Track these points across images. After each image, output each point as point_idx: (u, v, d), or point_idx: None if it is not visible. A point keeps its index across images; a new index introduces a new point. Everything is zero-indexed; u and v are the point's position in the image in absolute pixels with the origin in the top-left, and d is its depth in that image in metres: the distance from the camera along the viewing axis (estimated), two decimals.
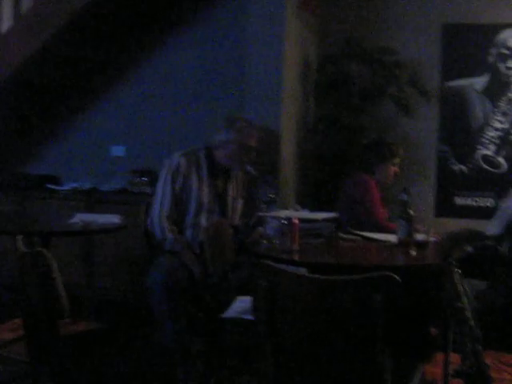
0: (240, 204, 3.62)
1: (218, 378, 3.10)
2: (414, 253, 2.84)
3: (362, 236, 3.24)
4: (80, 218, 3.61)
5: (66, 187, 5.08)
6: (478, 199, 4.81)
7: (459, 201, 4.84)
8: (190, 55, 5.06)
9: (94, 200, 4.87)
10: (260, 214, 3.22)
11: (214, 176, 3.51)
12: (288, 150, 4.40)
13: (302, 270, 2.93)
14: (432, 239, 2.94)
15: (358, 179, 4.04)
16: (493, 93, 4.76)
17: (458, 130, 4.82)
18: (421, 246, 2.87)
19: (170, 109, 5.09)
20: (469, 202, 4.83)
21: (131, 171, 4.96)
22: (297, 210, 3.55)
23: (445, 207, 4.85)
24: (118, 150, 5.27)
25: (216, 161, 3.51)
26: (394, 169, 4.09)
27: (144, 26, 5.09)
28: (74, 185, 5.07)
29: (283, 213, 3.07)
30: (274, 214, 3.03)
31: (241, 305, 2.94)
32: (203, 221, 3.41)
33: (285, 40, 4.22)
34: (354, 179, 4.07)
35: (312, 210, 3.69)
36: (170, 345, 3.22)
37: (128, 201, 4.64)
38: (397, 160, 4.10)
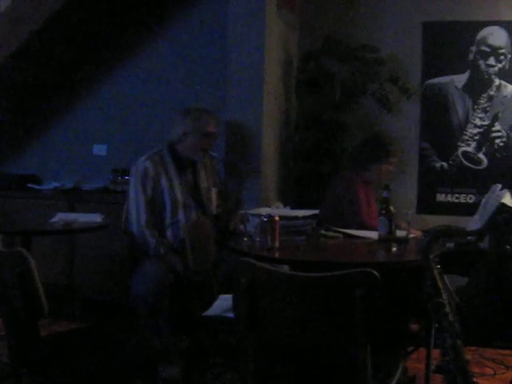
0: (214, 192, 3.63)
1: (200, 376, 3.09)
2: (394, 249, 2.86)
3: (343, 233, 3.25)
4: (61, 218, 3.59)
5: (47, 186, 5.05)
6: (459, 196, 4.84)
7: (441, 197, 4.87)
8: (172, 54, 5.05)
9: (75, 199, 4.84)
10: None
11: (183, 171, 3.52)
12: (270, 148, 4.41)
13: (285, 268, 2.94)
14: (412, 236, 2.96)
15: (343, 178, 3.98)
16: (473, 90, 4.79)
17: (439, 127, 4.85)
18: (401, 242, 2.89)
19: (152, 108, 5.07)
20: (450, 198, 4.85)
21: (113, 170, 4.94)
22: (278, 208, 3.56)
23: (426, 204, 4.87)
24: (99, 149, 5.24)
25: (180, 155, 3.51)
26: (388, 168, 3.98)
27: (125, 25, 5.07)
28: (56, 184, 5.04)
29: (264, 210, 3.07)
30: (254, 211, 3.04)
31: (223, 303, 2.94)
32: (181, 218, 3.42)
33: (265, 38, 4.22)
34: (340, 177, 4.01)
35: (294, 207, 3.70)
36: (153, 344, 3.21)
37: (110, 200, 4.62)
38: (393, 160, 4.00)
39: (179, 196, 3.46)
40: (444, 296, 2.04)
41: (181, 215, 3.44)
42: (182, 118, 3.50)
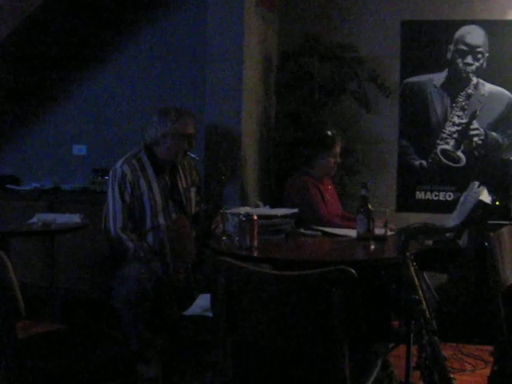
0: (193, 192, 3.61)
1: (180, 375, 3.09)
2: (373, 247, 2.88)
3: (322, 231, 3.27)
4: (39, 218, 3.57)
5: (26, 187, 5.02)
6: (438, 193, 4.88)
7: (420, 195, 4.90)
8: (150, 53, 5.04)
9: (55, 200, 4.81)
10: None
11: (161, 173, 3.48)
12: (249, 147, 4.41)
13: (265, 266, 2.95)
14: (391, 233, 2.98)
15: (293, 181, 3.95)
16: (451, 88, 4.83)
17: (418, 125, 4.88)
18: (380, 240, 2.91)
19: (131, 107, 5.06)
20: (429, 196, 4.89)
21: (93, 170, 4.93)
22: (258, 207, 3.56)
23: (406, 202, 4.90)
24: (78, 149, 5.21)
25: (158, 157, 3.47)
26: (333, 160, 3.93)
27: (103, 23, 5.04)
28: (35, 185, 5.01)
29: (242, 209, 3.07)
30: (233, 210, 3.04)
31: (203, 302, 2.94)
32: (162, 221, 3.40)
33: (244, 37, 4.22)
34: (290, 182, 3.98)
35: (275, 206, 3.71)
36: (132, 343, 3.21)
37: (90, 200, 4.60)
38: (335, 150, 3.94)
39: (159, 199, 3.43)
40: (420, 293, 2.06)
41: (161, 219, 3.41)
42: (160, 120, 3.44)
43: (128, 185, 3.36)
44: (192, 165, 3.67)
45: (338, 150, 3.94)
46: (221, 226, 3.11)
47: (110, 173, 3.43)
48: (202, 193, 3.73)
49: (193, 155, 3.58)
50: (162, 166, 3.48)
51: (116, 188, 3.36)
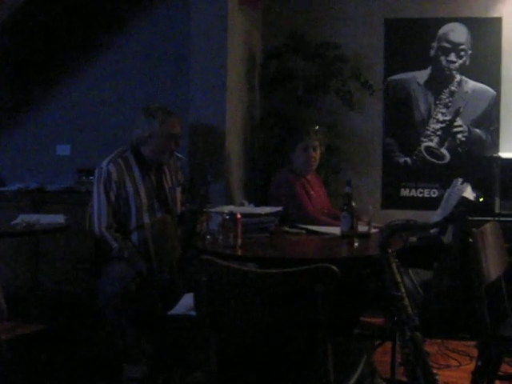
0: (178, 192, 3.62)
1: (165, 375, 3.09)
2: (356, 244, 2.89)
3: (306, 229, 3.27)
4: (23, 219, 3.54)
5: (10, 188, 4.98)
6: (422, 190, 4.90)
7: (405, 192, 4.92)
8: (134, 52, 5.03)
9: (39, 200, 4.79)
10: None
11: (147, 173, 3.48)
12: (234, 145, 4.41)
13: (250, 265, 2.95)
14: (374, 231, 2.99)
15: (276, 179, 3.95)
16: (435, 86, 4.85)
17: (402, 122, 4.89)
18: (363, 237, 2.92)
19: (115, 106, 5.04)
20: (414, 193, 4.90)
21: (77, 170, 4.90)
22: (243, 205, 3.56)
23: (391, 199, 4.92)
24: (63, 149, 5.19)
25: (145, 157, 3.47)
26: (308, 153, 3.90)
27: (88, 23, 5.03)
28: (19, 185, 4.97)
29: (227, 208, 3.07)
30: (217, 209, 3.04)
31: (188, 301, 2.94)
32: (146, 220, 3.39)
33: (228, 35, 4.22)
34: (275, 177, 3.97)
35: (260, 204, 3.71)
36: (117, 343, 3.20)
37: (75, 200, 4.58)
38: (310, 142, 3.92)
39: (144, 198, 3.43)
40: (402, 289, 2.07)
41: (146, 218, 3.40)
42: (148, 120, 3.44)
43: (113, 184, 3.36)
44: (178, 165, 3.68)
45: (313, 142, 3.92)
46: (205, 225, 3.11)
47: (96, 172, 3.42)
48: (187, 193, 3.73)
49: (179, 155, 3.59)
50: (148, 166, 3.48)
51: (101, 187, 3.36)
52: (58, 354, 3.57)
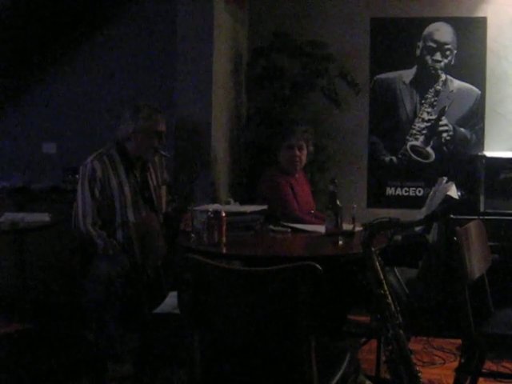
0: (164, 190, 3.62)
1: (150, 374, 3.08)
2: (341, 243, 2.90)
3: (292, 227, 3.28)
4: (7, 217, 3.53)
5: None
6: (408, 189, 4.92)
7: (390, 191, 4.94)
8: (120, 49, 5.02)
9: (25, 199, 4.76)
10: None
11: (132, 170, 3.47)
12: (220, 144, 4.40)
13: (235, 263, 2.95)
14: (359, 229, 3.00)
15: (264, 177, 3.94)
16: (420, 85, 4.87)
17: (388, 121, 4.92)
18: (348, 235, 2.93)
19: (101, 104, 5.03)
20: (399, 191, 4.93)
21: (63, 169, 4.88)
22: (229, 204, 3.56)
23: (376, 197, 4.94)
24: (48, 147, 5.17)
25: (129, 154, 3.47)
26: (293, 152, 3.89)
27: (74, 21, 5.01)
28: (4, 183, 4.94)
29: (212, 206, 3.07)
30: (202, 207, 3.04)
31: (173, 300, 2.93)
32: (131, 218, 3.38)
33: (214, 33, 4.21)
34: (263, 176, 3.97)
35: (246, 203, 3.71)
36: (102, 341, 3.20)
37: (61, 199, 4.56)
38: (294, 141, 3.92)
39: (128, 196, 3.42)
40: (385, 287, 2.07)
41: (130, 216, 3.40)
42: (132, 116, 3.44)
43: (98, 181, 3.35)
44: (163, 163, 3.68)
45: (298, 142, 3.92)
46: (190, 223, 3.10)
47: (80, 169, 3.42)
48: (172, 191, 3.72)
49: (163, 153, 3.58)
50: (132, 163, 3.48)
51: (86, 184, 3.35)
52: (43, 353, 3.56)
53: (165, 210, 3.62)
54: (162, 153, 3.56)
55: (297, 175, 4.00)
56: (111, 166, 3.41)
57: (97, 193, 3.35)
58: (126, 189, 3.42)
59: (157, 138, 3.46)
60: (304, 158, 3.96)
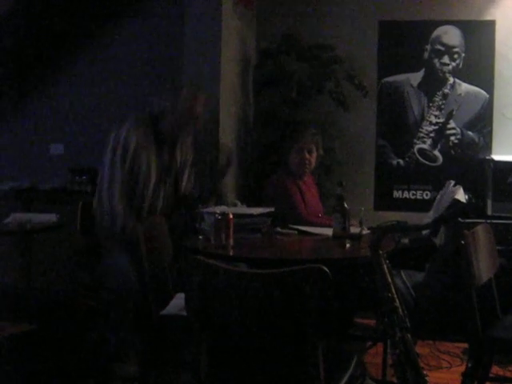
0: (187, 171, 3.48)
1: (157, 375, 3.09)
2: (348, 245, 2.89)
3: (298, 230, 3.27)
4: (15, 218, 3.54)
5: (3, 187, 4.96)
6: (415, 192, 4.91)
7: (397, 194, 4.93)
8: (128, 51, 5.02)
9: (32, 199, 4.78)
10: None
11: (161, 146, 3.31)
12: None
13: (242, 265, 2.95)
14: (366, 232, 3.00)
15: (273, 179, 3.94)
16: (428, 88, 4.86)
17: (395, 124, 4.91)
18: (355, 238, 2.92)
19: (109, 106, 5.03)
20: (407, 195, 4.92)
21: (70, 169, 4.89)
22: (235, 206, 3.56)
23: (383, 200, 4.93)
24: (56, 148, 5.18)
25: (162, 131, 3.31)
26: (303, 155, 3.88)
27: (81, 21, 5.02)
28: (12, 184, 4.96)
29: (219, 208, 3.07)
30: (209, 209, 3.04)
31: (180, 301, 2.93)
32: (147, 203, 3.26)
33: (222, 36, 4.21)
34: (271, 179, 3.96)
35: (253, 205, 3.71)
36: (113, 339, 3.20)
37: (67, 200, 4.57)
38: (304, 144, 3.90)
39: (154, 174, 3.26)
40: (393, 290, 2.07)
41: (150, 193, 3.26)
42: (173, 94, 3.30)
43: (130, 155, 3.19)
44: (189, 146, 3.53)
45: (308, 145, 3.90)
46: (197, 224, 3.09)
47: (112, 138, 3.23)
48: (193, 177, 3.59)
49: (199, 135, 3.45)
50: (164, 140, 3.32)
51: (118, 156, 3.18)
52: (48, 354, 3.56)
53: (184, 190, 3.49)
54: (197, 135, 3.44)
55: (305, 178, 4.00)
56: (144, 142, 3.24)
57: (126, 168, 3.18)
58: (153, 166, 3.26)
59: (193, 120, 3.33)
60: (313, 161, 3.96)
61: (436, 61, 4.85)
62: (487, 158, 4.60)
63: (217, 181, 3.44)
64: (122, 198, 3.17)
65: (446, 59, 4.84)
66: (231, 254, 2.74)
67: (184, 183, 3.47)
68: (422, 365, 2.06)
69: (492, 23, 4.75)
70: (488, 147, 4.79)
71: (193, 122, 3.34)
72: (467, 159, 4.80)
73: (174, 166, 3.39)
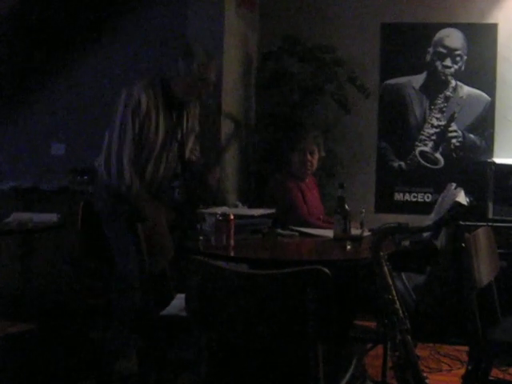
0: (191, 139, 3.52)
1: (156, 375, 3.08)
2: (349, 247, 2.89)
3: (299, 231, 3.27)
4: (15, 217, 3.54)
5: (4, 186, 4.96)
6: (416, 195, 4.91)
7: (398, 196, 4.93)
8: (130, 52, 5.02)
9: (33, 199, 4.77)
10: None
11: (170, 109, 3.34)
12: (229, 147, 4.41)
13: (243, 266, 2.95)
14: (367, 234, 2.99)
15: (275, 180, 3.94)
16: (430, 90, 4.86)
17: (397, 126, 4.91)
18: (356, 240, 2.92)
19: (110, 106, 5.01)
20: (408, 197, 4.92)
21: (71, 170, 4.89)
22: (236, 207, 3.56)
23: (384, 203, 4.93)
24: (57, 148, 5.18)
25: (172, 94, 3.33)
26: (305, 156, 3.89)
27: (82, 22, 5.02)
28: (13, 184, 4.96)
29: (220, 209, 3.07)
30: (210, 210, 3.04)
31: (180, 302, 2.93)
32: (153, 159, 3.30)
33: (224, 37, 4.22)
34: (273, 180, 3.97)
35: (254, 206, 3.71)
36: (108, 341, 3.20)
37: (69, 200, 4.57)
38: (307, 145, 3.92)
39: (161, 135, 3.30)
40: (394, 292, 2.07)
41: (155, 155, 3.30)
42: (186, 58, 3.29)
43: (141, 114, 3.21)
44: (196, 112, 3.56)
45: (310, 147, 3.92)
46: (198, 225, 3.09)
47: (123, 97, 3.24)
48: (198, 144, 3.63)
49: (208, 100, 3.49)
50: (173, 103, 3.35)
51: (129, 116, 3.19)
52: (48, 353, 3.56)
53: (187, 156, 3.51)
54: (206, 100, 3.45)
55: (307, 180, 4.00)
56: (154, 102, 3.26)
57: (137, 126, 3.21)
58: (161, 127, 3.29)
59: (204, 85, 3.33)
60: (315, 163, 3.96)
61: (438, 63, 4.85)
62: (489, 160, 4.60)
63: (221, 150, 3.43)
64: (130, 158, 3.20)
65: (448, 62, 4.84)
66: (232, 254, 2.74)
67: (188, 149, 3.50)
68: (422, 367, 2.06)
69: (494, 26, 4.75)
70: (490, 150, 4.79)
71: (203, 87, 3.34)
72: (468, 162, 4.80)
73: (180, 131, 3.41)
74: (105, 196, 3.33)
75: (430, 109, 4.86)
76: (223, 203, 4.07)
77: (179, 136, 3.39)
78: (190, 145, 3.52)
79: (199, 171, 3.47)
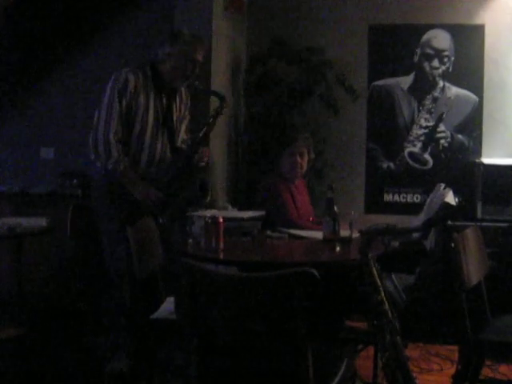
0: (184, 124, 3.54)
1: (147, 378, 3.08)
2: (338, 249, 2.89)
3: (289, 234, 3.28)
4: (4, 222, 3.53)
5: None
6: (406, 195, 4.93)
7: (388, 197, 4.95)
8: (118, 56, 5.00)
9: (22, 203, 4.75)
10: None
11: (160, 93, 3.38)
12: (218, 150, 4.41)
13: (233, 269, 2.95)
14: (356, 235, 3.00)
15: (265, 182, 3.92)
16: (418, 91, 4.89)
17: (386, 128, 4.93)
18: (345, 241, 2.93)
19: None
20: (397, 198, 4.94)
21: (61, 173, 4.87)
22: (226, 209, 3.56)
23: (374, 204, 4.95)
24: (46, 152, 5.16)
25: (162, 77, 3.37)
26: (295, 158, 3.87)
27: (71, 25, 5.01)
28: (2, 188, 4.93)
29: (209, 212, 3.07)
30: (200, 213, 3.03)
31: (170, 305, 2.93)
32: (147, 145, 3.32)
33: (212, 40, 4.22)
34: (263, 182, 3.95)
35: (244, 209, 3.71)
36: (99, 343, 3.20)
37: (58, 204, 4.56)
38: (296, 148, 3.90)
39: (151, 119, 3.33)
40: (383, 293, 2.08)
41: (147, 142, 3.33)
42: (172, 38, 3.36)
43: (128, 93, 3.26)
44: (187, 98, 3.58)
45: (300, 149, 3.90)
46: (187, 228, 3.09)
47: (112, 77, 3.31)
48: (188, 129, 3.63)
49: (196, 83, 3.46)
50: (162, 87, 3.39)
51: (115, 93, 3.25)
52: (40, 358, 3.55)
53: (179, 144, 3.52)
54: (195, 83, 3.45)
55: (297, 182, 4.00)
56: (143, 83, 3.31)
57: (124, 105, 3.26)
58: (151, 111, 3.33)
59: (191, 65, 3.36)
60: (305, 165, 3.96)
61: (426, 64, 4.87)
62: (477, 161, 4.63)
63: (208, 130, 3.43)
64: (116, 134, 3.24)
65: (435, 63, 4.86)
66: (221, 257, 2.74)
67: (180, 139, 3.52)
68: (412, 367, 2.08)
69: (481, 27, 4.79)
70: (478, 150, 4.81)
71: (190, 68, 3.36)
72: (457, 162, 4.83)
73: (170, 116, 3.43)
74: (103, 196, 3.35)
75: (419, 110, 4.88)
76: (212, 206, 4.07)
77: (170, 121, 3.41)
78: (181, 133, 3.53)
79: (186, 152, 3.46)
